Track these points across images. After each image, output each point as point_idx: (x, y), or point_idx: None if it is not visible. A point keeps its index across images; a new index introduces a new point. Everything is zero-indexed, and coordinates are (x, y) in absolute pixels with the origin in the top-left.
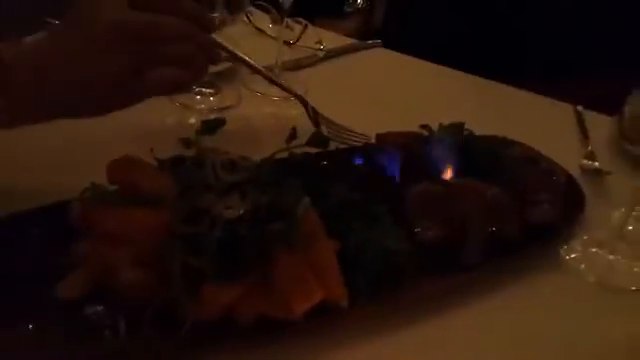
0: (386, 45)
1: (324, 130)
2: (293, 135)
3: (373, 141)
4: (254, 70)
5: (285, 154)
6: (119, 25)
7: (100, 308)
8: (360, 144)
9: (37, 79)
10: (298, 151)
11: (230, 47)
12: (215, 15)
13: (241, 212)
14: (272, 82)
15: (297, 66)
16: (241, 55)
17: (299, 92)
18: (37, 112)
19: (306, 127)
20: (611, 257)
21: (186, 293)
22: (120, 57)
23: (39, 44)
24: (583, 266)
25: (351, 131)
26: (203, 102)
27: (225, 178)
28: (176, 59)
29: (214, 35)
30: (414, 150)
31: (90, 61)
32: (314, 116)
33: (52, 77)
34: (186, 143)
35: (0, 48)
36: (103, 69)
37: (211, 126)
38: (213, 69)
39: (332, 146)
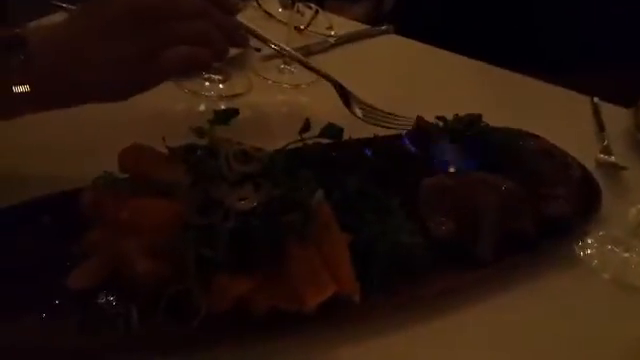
0: (397, 31)
1: (359, 113)
2: (307, 127)
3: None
4: (281, 52)
5: (298, 145)
6: (136, 6)
7: (113, 298)
8: (398, 128)
9: (59, 65)
10: (311, 142)
11: (255, 29)
12: None
13: (255, 204)
14: (305, 66)
15: (307, 52)
16: (267, 38)
17: (307, 80)
18: (60, 97)
19: (319, 117)
20: (626, 254)
21: (199, 284)
22: (138, 38)
23: (59, 30)
24: (598, 263)
25: (390, 114)
26: (212, 89)
27: (239, 169)
28: (192, 37)
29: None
30: (429, 142)
31: (110, 44)
32: (346, 96)
33: (74, 63)
34: (199, 133)
35: (25, 34)
36: (123, 51)
37: (224, 116)
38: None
39: (369, 132)
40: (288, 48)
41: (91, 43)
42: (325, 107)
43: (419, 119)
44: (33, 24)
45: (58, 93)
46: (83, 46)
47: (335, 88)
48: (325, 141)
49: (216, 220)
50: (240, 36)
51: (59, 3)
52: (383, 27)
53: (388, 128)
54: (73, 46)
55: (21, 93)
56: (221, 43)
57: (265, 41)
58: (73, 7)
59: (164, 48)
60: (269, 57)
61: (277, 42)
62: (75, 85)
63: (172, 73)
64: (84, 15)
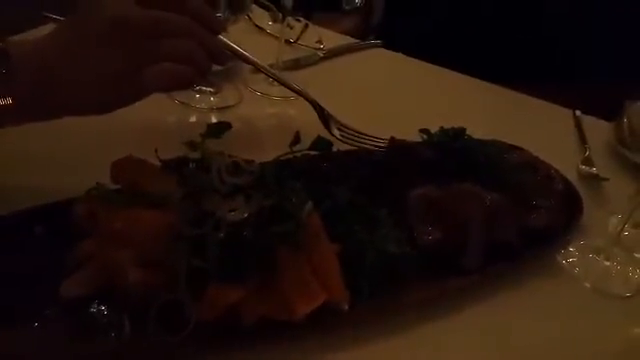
0: (385, 45)
1: (335, 132)
2: (297, 139)
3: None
4: (263, 71)
5: (288, 157)
6: (121, 21)
7: (104, 307)
8: (373, 147)
9: (42, 78)
10: (300, 154)
11: (238, 48)
12: (219, 15)
13: (245, 215)
14: (282, 83)
15: (297, 65)
16: (249, 56)
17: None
18: (43, 110)
19: (308, 129)
20: (607, 263)
21: (190, 294)
22: (122, 53)
23: (43, 43)
24: (580, 271)
25: (364, 134)
26: (203, 101)
27: (230, 181)
28: (176, 55)
29: (222, 36)
30: (415, 154)
31: (94, 58)
32: (324, 117)
33: (57, 76)
34: (192, 146)
35: (7, 47)
36: (106, 66)
37: (217, 129)
38: (214, 67)
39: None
40: (268, 67)
41: (74, 57)
42: (314, 119)
43: (392, 140)
44: (18, 37)
45: (40, 106)
46: (66, 60)
47: (314, 107)
48: (314, 153)
49: (207, 231)
50: (223, 55)
51: (50, 15)
52: (371, 41)
53: (366, 148)
54: (56, 60)
55: (2, 106)
56: (204, 62)
57: (247, 60)
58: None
59: (148, 64)
60: (259, 70)
61: (257, 60)
62: (57, 99)
63: (154, 89)
64: (69, 28)
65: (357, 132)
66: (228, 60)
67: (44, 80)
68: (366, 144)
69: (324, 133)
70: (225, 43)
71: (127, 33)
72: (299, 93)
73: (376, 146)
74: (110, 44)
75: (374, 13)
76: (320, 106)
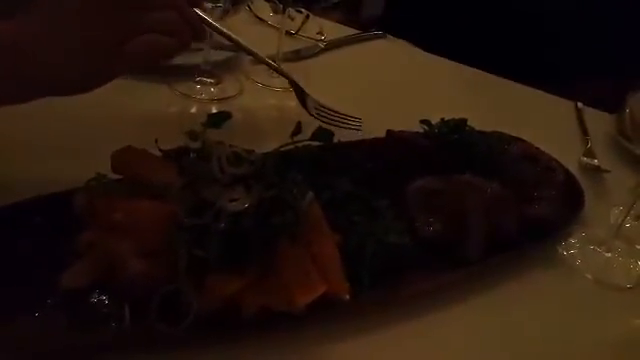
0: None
1: (313, 112)
2: (298, 129)
3: (360, 125)
4: (245, 50)
5: (289, 147)
6: None
7: (105, 297)
8: (349, 127)
9: (18, 57)
10: (301, 144)
11: (215, 24)
12: (219, 6)
13: (246, 205)
14: (264, 62)
15: (298, 57)
16: (229, 33)
17: (300, 83)
18: (21, 91)
19: (309, 119)
20: (608, 255)
21: (191, 284)
22: (103, 27)
23: (18, 20)
24: (581, 263)
25: (341, 114)
26: (204, 92)
27: (230, 171)
28: (158, 27)
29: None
30: (416, 145)
31: (72, 33)
32: (302, 96)
33: (34, 54)
34: (192, 136)
35: None
36: (86, 41)
37: (217, 119)
38: (214, 58)
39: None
40: (244, 44)
41: (52, 34)
42: None
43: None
44: None
45: (17, 86)
46: (43, 37)
47: (291, 85)
48: (315, 144)
49: (208, 221)
50: (201, 30)
51: None
52: (373, 32)
53: (339, 127)
54: (32, 38)
55: None
56: (187, 34)
57: (228, 37)
58: None
59: (132, 37)
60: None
61: (231, 34)
62: (35, 78)
63: (136, 62)
64: (45, 5)
65: (333, 111)
66: (205, 35)
67: (21, 59)
68: (343, 125)
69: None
70: (205, 19)
71: (108, 5)
72: (276, 70)
73: (350, 127)
74: (90, 17)
75: (365, 5)
76: (297, 84)
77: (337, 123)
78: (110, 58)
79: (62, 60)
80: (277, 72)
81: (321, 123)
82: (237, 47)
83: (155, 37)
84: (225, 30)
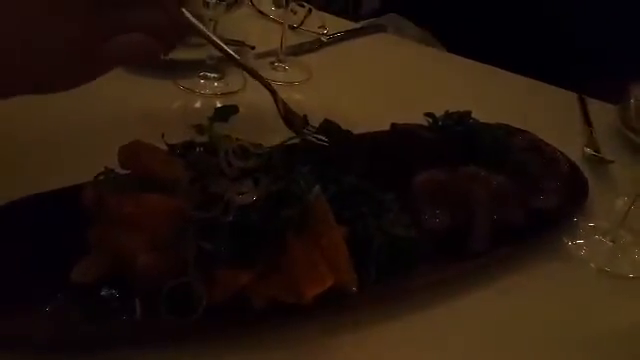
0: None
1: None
2: (305, 123)
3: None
4: (216, 46)
5: (296, 140)
6: None
7: (115, 292)
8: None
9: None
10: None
11: (197, 23)
12: (223, 1)
13: (254, 198)
14: (240, 65)
15: (300, 51)
16: (204, 30)
17: (300, 78)
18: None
19: (314, 113)
20: (613, 244)
21: (200, 277)
22: (86, 22)
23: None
24: (586, 253)
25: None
26: (208, 87)
27: (238, 165)
28: (146, 27)
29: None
30: (421, 138)
31: (54, 27)
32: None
33: (11, 48)
34: (199, 130)
35: None
36: (68, 35)
37: (224, 113)
38: (218, 53)
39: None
40: (213, 37)
41: (32, 27)
42: (319, 104)
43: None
44: None
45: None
46: (22, 30)
47: (267, 87)
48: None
49: (216, 214)
50: (188, 33)
51: None
52: (375, 26)
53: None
54: (10, 30)
55: None
56: (173, 36)
57: (208, 39)
58: None
59: (117, 34)
60: (263, 55)
61: (212, 35)
62: (14, 74)
63: (120, 63)
64: None
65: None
66: (189, 35)
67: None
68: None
69: (331, 117)
70: (188, 19)
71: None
72: (249, 71)
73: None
74: (72, 11)
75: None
76: (270, 86)
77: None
78: (88, 58)
79: (55, 48)
80: (245, 71)
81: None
82: (220, 50)
83: (142, 37)
84: (209, 33)
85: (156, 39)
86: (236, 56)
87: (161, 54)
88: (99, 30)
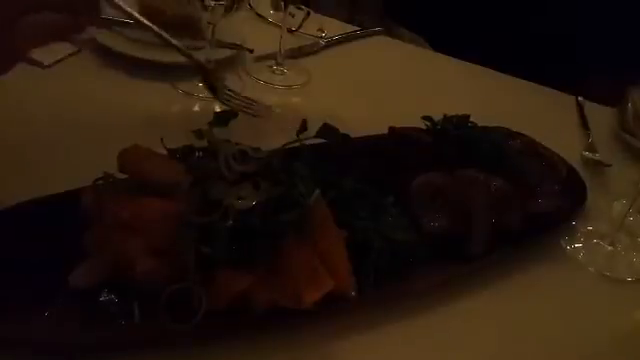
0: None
1: (222, 94)
2: (304, 127)
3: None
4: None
5: (295, 145)
6: None
7: (114, 296)
8: (253, 113)
9: None
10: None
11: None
12: (221, 3)
13: (253, 203)
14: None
15: (299, 54)
16: (134, 14)
17: (299, 81)
18: None
19: (313, 117)
20: (611, 248)
21: (199, 281)
22: None
23: None
24: (584, 256)
25: (248, 98)
26: (206, 90)
27: (237, 169)
28: (58, 5)
29: None
30: (419, 142)
31: None
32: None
33: None
34: (199, 134)
35: None
36: None
37: (223, 118)
38: (216, 56)
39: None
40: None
41: None
42: (318, 108)
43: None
44: None
45: None
46: None
47: (200, 70)
48: (321, 141)
49: (215, 219)
50: (99, 7)
51: None
52: (373, 29)
53: (245, 113)
54: None
55: None
56: (85, 15)
57: (137, 20)
58: None
59: (25, 13)
60: (261, 58)
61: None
62: None
63: (31, 45)
64: None
65: (242, 97)
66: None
67: None
68: (247, 110)
69: (329, 121)
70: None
71: None
72: (188, 56)
73: (257, 112)
74: None
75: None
76: (205, 67)
77: (242, 108)
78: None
79: None
80: (185, 55)
81: (227, 107)
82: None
83: (49, 16)
84: (132, 11)
85: (68, 15)
86: (165, 35)
87: (72, 34)
88: (6, 15)
